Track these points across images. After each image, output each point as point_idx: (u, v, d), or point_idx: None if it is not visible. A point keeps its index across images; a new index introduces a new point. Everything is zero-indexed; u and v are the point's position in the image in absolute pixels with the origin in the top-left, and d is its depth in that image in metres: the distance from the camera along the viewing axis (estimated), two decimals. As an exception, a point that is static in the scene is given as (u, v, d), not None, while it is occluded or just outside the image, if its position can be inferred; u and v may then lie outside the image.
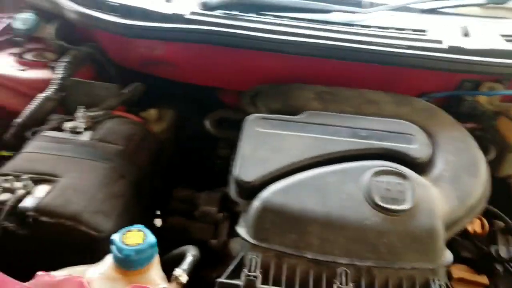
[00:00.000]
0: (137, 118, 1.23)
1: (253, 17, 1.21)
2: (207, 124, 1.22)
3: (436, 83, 1.25)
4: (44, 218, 0.82)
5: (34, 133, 1.12)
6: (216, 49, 1.18)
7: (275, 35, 1.13)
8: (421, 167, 0.96)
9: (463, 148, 1.03)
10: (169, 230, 1.06)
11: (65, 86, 1.24)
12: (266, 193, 0.88)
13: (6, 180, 0.89)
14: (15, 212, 0.84)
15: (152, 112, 1.34)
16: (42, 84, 1.26)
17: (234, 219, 1.04)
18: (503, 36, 1.23)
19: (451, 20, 1.34)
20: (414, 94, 1.25)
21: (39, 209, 0.83)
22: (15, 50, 1.37)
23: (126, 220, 0.93)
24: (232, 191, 0.96)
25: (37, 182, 0.91)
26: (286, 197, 0.87)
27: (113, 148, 1.04)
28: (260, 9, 1.24)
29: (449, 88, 1.26)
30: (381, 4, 1.29)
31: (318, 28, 1.17)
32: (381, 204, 0.85)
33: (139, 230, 0.78)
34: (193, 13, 1.19)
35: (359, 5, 1.31)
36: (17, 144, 1.18)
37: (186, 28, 1.12)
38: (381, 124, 1.03)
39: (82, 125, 1.11)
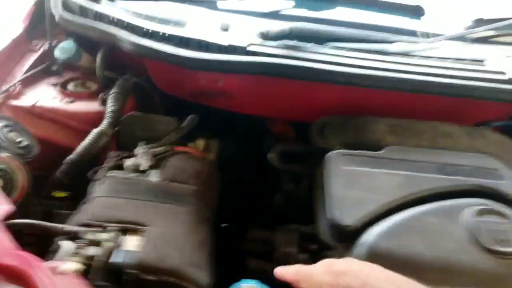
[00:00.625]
0: (194, 151, 1.17)
1: (314, 47, 1.18)
2: (272, 157, 1.17)
3: (494, 113, 1.26)
4: (146, 276, 0.75)
5: (94, 173, 1.04)
6: (278, 80, 1.15)
7: (342, 67, 1.11)
8: (511, 203, 0.95)
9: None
10: (249, 275, 1.00)
11: (119, 120, 1.16)
12: (370, 238, 0.84)
13: (91, 232, 0.81)
14: (107, 268, 0.77)
15: (200, 143, 1.27)
16: (94, 118, 1.18)
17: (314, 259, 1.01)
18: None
19: (501, 49, 1.37)
20: (472, 123, 1.25)
21: (138, 266, 0.75)
22: (55, 80, 1.29)
23: (212, 268, 0.87)
24: (325, 233, 0.91)
25: (123, 232, 0.83)
26: (391, 241, 0.83)
27: (187, 189, 0.98)
28: (319, 40, 1.21)
29: (505, 117, 1.27)
30: (439, 34, 1.29)
31: (382, 60, 1.16)
32: (491, 246, 0.82)
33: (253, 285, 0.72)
34: (252, 45, 1.15)
35: (414, 34, 1.31)
36: (69, 183, 1.10)
37: (251, 60, 1.08)
38: (464, 159, 1.01)
39: (146, 163, 1.04)
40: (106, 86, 1.30)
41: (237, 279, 1.02)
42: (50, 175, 1.10)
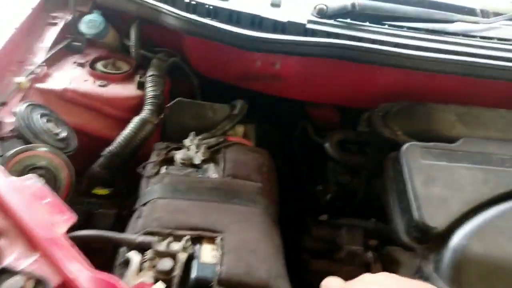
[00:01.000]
0: (247, 142, 1.07)
1: (375, 27, 1.08)
2: (328, 146, 1.09)
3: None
4: (234, 292, 0.67)
5: (143, 168, 0.93)
6: (339, 63, 1.05)
7: (411, 50, 1.02)
8: None
9: None
10: (315, 275, 0.94)
11: (162, 106, 1.05)
12: (461, 241, 0.78)
13: (160, 241, 0.72)
14: (187, 283, 0.68)
15: (239, 130, 1.17)
16: (133, 103, 1.06)
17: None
18: None
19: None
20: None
21: (227, 281, 0.67)
22: (80, 58, 1.14)
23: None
24: (403, 233, 0.85)
25: (197, 241, 0.74)
26: (483, 244, 0.78)
27: (252, 187, 0.89)
28: (378, 19, 1.11)
29: None
30: (500, 14, 1.21)
31: (451, 42, 1.07)
32: None
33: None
34: (311, 22, 1.04)
35: (473, 13, 1.22)
36: (110, 179, 1.00)
37: (319, 42, 0.97)
38: (542, 152, 0.96)
39: (200, 156, 0.94)
40: (138, 66, 1.17)
41: (301, 280, 0.96)
42: (87, 169, 0.99)
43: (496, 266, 0.76)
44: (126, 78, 1.12)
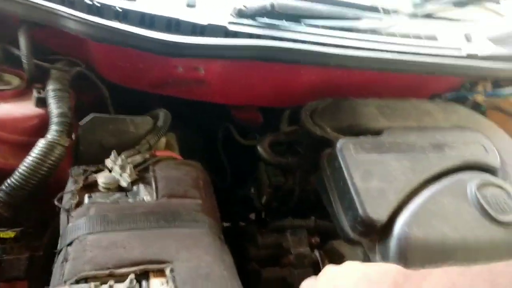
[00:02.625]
0: (174, 154, 0.98)
1: (293, 26, 1.08)
2: (261, 150, 1.05)
3: (446, 86, 1.34)
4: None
5: (60, 200, 0.78)
6: (262, 65, 1.02)
7: (331, 48, 1.04)
8: (496, 175, 1.02)
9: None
10: (267, 284, 0.90)
11: (71, 125, 0.90)
12: (402, 229, 0.82)
13: (98, 286, 0.60)
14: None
15: (161, 141, 1.08)
16: (32, 124, 0.89)
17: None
18: (490, 39, 1.38)
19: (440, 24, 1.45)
20: (427, 96, 1.33)
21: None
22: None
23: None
24: (350, 230, 0.86)
25: (142, 277, 0.64)
26: (422, 229, 0.82)
27: (191, 205, 0.81)
28: (296, 17, 1.11)
29: (454, 89, 1.37)
30: (399, 12, 1.30)
31: (364, 39, 1.12)
32: (498, 217, 0.87)
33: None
34: (232, 23, 0.99)
35: (376, 10, 1.30)
36: (13, 217, 0.83)
37: (244, 44, 0.93)
38: (452, 136, 1.05)
39: (126, 178, 0.83)
40: (31, 79, 0.99)
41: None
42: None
43: (436, 248, 0.81)
44: (19, 94, 0.94)
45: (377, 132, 1.02)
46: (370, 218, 0.82)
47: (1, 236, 0.79)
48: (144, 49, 0.88)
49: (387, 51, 1.13)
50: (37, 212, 0.88)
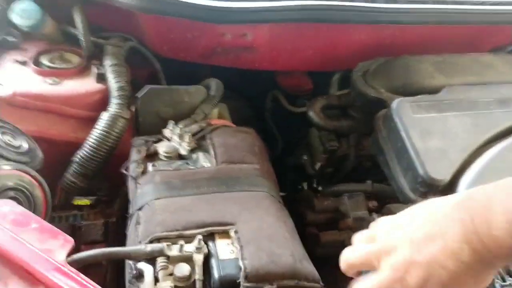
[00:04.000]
0: (228, 122, 1.00)
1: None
2: (312, 115, 1.04)
3: (509, 37, 1.25)
4: (264, 286, 0.62)
5: (126, 169, 0.83)
6: (311, 26, 1.00)
7: (382, 4, 1.00)
8: None
9: None
10: (325, 248, 0.92)
11: (130, 97, 0.94)
12: (468, 189, 0.79)
13: (170, 246, 0.64)
14: (211, 285, 0.62)
15: (214, 111, 1.09)
16: (96, 99, 0.94)
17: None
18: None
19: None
20: (488, 49, 1.24)
21: (253, 276, 0.62)
22: (18, 55, 0.99)
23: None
24: (411, 192, 0.84)
25: (210, 237, 0.68)
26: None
27: (250, 169, 0.83)
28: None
29: (513, 41, 1.27)
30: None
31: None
32: None
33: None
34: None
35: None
36: (87, 186, 0.89)
37: (293, 5, 0.91)
38: (518, 89, 0.99)
39: (185, 146, 0.86)
40: (90, 56, 1.04)
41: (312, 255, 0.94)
42: (59, 181, 0.87)
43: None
44: (80, 71, 0.98)
45: (435, 90, 0.97)
46: (431, 178, 0.80)
47: (78, 203, 0.86)
48: (190, 17, 0.89)
49: (442, 1, 1.06)
50: (107, 182, 0.93)
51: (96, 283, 0.54)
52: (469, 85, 0.98)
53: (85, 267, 0.77)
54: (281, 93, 1.28)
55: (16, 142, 0.76)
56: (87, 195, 0.88)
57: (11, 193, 0.67)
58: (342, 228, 0.94)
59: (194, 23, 0.94)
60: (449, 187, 0.81)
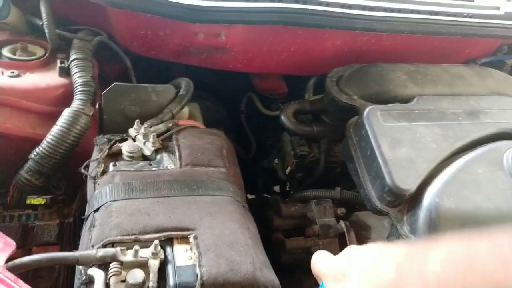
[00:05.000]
0: (197, 123, 0.97)
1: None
2: (285, 119, 1.03)
3: (481, 49, 1.26)
4: (221, 295, 0.59)
5: (86, 168, 0.79)
6: (287, 29, 0.98)
7: (358, 10, 1.00)
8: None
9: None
10: (291, 254, 0.90)
11: (95, 94, 0.90)
12: (433, 199, 0.79)
13: (124, 251, 0.61)
14: (166, 295, 0.60)
15: (184, 110, 1.07)
16: (58, 94, 0.90)
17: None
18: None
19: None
20: (461, 61, 1.25)
21: (208, 282, 0.59)
22: (-23, 46, 0.94)
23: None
24: (377, 200, 0.84)
25: (166, 243, 0.65)
26: (453, 199, 0.79)
27: (215, 173, 0.80)
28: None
29: (489, 53, 1.29)
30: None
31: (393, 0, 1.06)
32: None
33: None
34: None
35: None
36: (43, 184, 0.85)
37: (269, 7, 0.90)
38: (486, 102, 0.99)
39: (150, 146, 0.83)
40: (55, 49, 0.99)
41: (277, 261, 0.92)
42: (14, 178, 0.83)
43: (468, 218, 0.78)
44: (43, 64, 0.94)
45: (407, 99, 0.97)
46: (398, 187, 0.79)
47: (33, 202, 0.81)
48: (163, 15, 0.86)
49: (418, 11, 1.07)
50: (66, 180, 0.89)
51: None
52: (440, 95, 0.98)
53: (36, 271, 0.73)
54: (257, 95, 1.26)
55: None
56: (43, 194, 0.83)
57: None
58: (309, 235, 0.92)
59: (166, 20, 0.91)
60: (415, 197, 0.80)
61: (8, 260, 0.54)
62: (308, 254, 0.92)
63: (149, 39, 0.99)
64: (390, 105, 0.93)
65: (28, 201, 0.81)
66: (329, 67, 1.06)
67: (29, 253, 0.61)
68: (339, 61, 1.08)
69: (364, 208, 0.96)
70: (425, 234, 0.77)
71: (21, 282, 0.50)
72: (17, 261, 0.54)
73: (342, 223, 0.93)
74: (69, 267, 0.76)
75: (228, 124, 1.31)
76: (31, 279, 0.75)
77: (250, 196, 1.33)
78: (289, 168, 1.10)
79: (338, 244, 0.92)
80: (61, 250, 0.78)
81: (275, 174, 1.18)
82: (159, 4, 0.85)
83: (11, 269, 0.52)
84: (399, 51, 1.13)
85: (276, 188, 1.34)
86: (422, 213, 0.78)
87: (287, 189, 1.27)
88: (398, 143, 0.86)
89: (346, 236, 0.91)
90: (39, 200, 0.81)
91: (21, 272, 0.56)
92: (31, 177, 0.82)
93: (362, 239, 0.93)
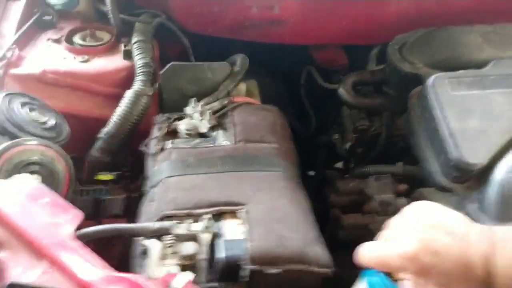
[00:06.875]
0: (253, 100, 0.98)
1: None
2: (343, 92, 0.99)
3: None
4: (269, 269, 0.60)
5: (146, 145, 0.84)
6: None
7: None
8: None
9: None
10: (348, 230, 0.88)
11: (155, 74, 0.95)
12: (507, 175, 0.70)
13: (178, 224, 0.65)
14: (218, 266, 0.62)
15: (241, 88, 1.06)
16: (122, 76, 0.96)
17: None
18: None
19: None
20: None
21: (257, 258, 0.60)
22: (53, 34, 1.03)
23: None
24: (443, 176, 0.78)
25: (219, 217, 0.67)
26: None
27: (268, 149, 0.81)
28: None
29: None
30: None
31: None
32: None
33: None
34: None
35: None
36: (111, 161, 0.92)
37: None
38: None
39: (206, 123, 0.85)
40: (120, 34, 1.05)
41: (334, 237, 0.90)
42: (85, 155, 0.91)
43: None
44: (109, 49, 1.00)
45: (482, 64, 0.87)
46: (465, 162, 0.73)
47: (102, 178, 0.89)
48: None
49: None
50: (132, 157, 0.96)
51: (108, 260, 0.55)
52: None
53: (109, 240, 0.81)
54: (317, 69, 1.22)
55: (43, 118, 0.80)
56: (112, 170, 0.90)
57: (35, 167, 0.71)
58: (367, 211, 0.89)
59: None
60: (486, 172, 0.73)
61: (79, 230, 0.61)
62: (365, 231, 0.89)
63: (205, 16, 1.01)
64: (461, 71, 0.84)
65: (97, 177, 0.88)
66: (394, 35, 0.98)
67: (100, 224, 0.67)
68: (405, 27, 0.99)
69: (429, 184, 0.90)
70: (497, 213, 0.70)
71: (87, 249, 0.56)
72: (83, 230, 0.59)
73: (402, 200, 0.88)
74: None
75: (287, 99, 1.30)
76: (105, 246, 0.82)
77: (311, 173, 1.32)
78: (349, 143, 1.06)
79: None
80: (128, 222, 0.85)
81: (335, 150, 1.15)
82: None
83: (79, 238, 0.58)
84: (474, 11, 1.00)
85: (339, 165, 1.31)
86: (494, 189, 0.71)
87: (352, 165, 1.23)
88: (468, 114, 0.78)
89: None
90: (107, 176, 0.89)
91: (90, 240, 0.62)
92: (100, 154, 0.90)
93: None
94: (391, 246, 0.51)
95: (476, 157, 0.73)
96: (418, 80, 0.88)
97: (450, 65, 0.88)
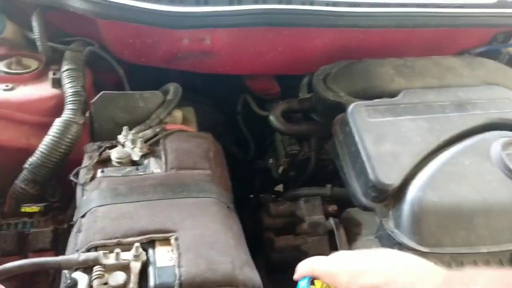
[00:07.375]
0: (187, 127, 1.00)
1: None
2: (273, 119, 1.04)
3: (475, 39, 1.24)
4: (199, 293, 0.61)
5: (76, 175, 0.83)
6: (270, 30, 1.00)
7: (343, 7, 1.00)
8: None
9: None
10: (281, 252, 0.91)
11: (85, 103, 0.93)
12: (417, 193, 0.78)
13: (107, 254, 0.64)
14: (146, 295, 0.62)
15: (177, 115, 1.09)
16: (50, 105, 0.93)
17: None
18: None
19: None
20: (456, 52, 1.24)
21: (188, 284, 0.61)
22: (-25, 61, 0.98)
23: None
24: (363, 196, 0.84)
25: (148, 245, 0.67)
26: (437, 192, 0.79)
27: (200, 175, 0.82)
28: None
29: (484, 43, 1.27)
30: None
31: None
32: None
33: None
34: (236, -11, 0.97)
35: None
36: (38, 193, 0.89)
37: (250, 9, 0.91)
38: (476, 93, 0.98)
39: (137, 151, 0.85)
40: (49, 61, 1.03)
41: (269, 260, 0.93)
42: (10, 188, 0.87)
43: (452, 211, 0.77)
44: (37, 77, 0.98)
45: (394, 94, 0.97)
46: (381, 182, 0.80)
47: (28, 210, 0.85)
48: (146, 23, 0.88)
49: (405, 4, 1.06)
50: (62, 188, 0.93)
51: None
52: (427, 88, 0.98)
53: (33, 276, 0.77)
54: (252, 96, 1.28)
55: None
56: (40, 202, 0.87)
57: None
58: (298, 233, 0.93)
59: (152, 28, 0.94)
60: (399, 192, 0.80)
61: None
62: (298, 253, 0.93)
63: (138, 47, 1.02)
64: (376, 100, 0.93)
65: (22, 209, 0.84)
66: (321, 65, 1.06)
67: (27, 258, 0.64)
68: (330, 59, 1.08)
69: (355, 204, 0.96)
70: (409, 228, 0.78)
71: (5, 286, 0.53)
72: (1, 267, 0.57)
73: (331, 220, 0.93)
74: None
75: (224, 126, 1.33)
76: (29, 284, 0.78)
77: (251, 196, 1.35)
78: (281, 167, 1.11)
79: (327, 242, 0.92)
80: (56, 255, 0.81)
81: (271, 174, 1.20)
82: (141, 12, 0.87)
83: (-3, 275, 0.56)
84: (389, 46, 1.12)
85: (280, 187, 1.36)
86: (405, 207, 0.78)
87: (284, 188, 1.28)
88: (382, 138, 0.86)
89: (336, 233, 0.91)
90: (33, 208, 0.85)
91: (11, 277, 0.59)
92: (26, 186, 0.86)
93: (353, 236, 0.93)
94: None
95: (391, 178, 0.80)
96: (341, 108, 0.95)
97: (367, 94, 0.97)
